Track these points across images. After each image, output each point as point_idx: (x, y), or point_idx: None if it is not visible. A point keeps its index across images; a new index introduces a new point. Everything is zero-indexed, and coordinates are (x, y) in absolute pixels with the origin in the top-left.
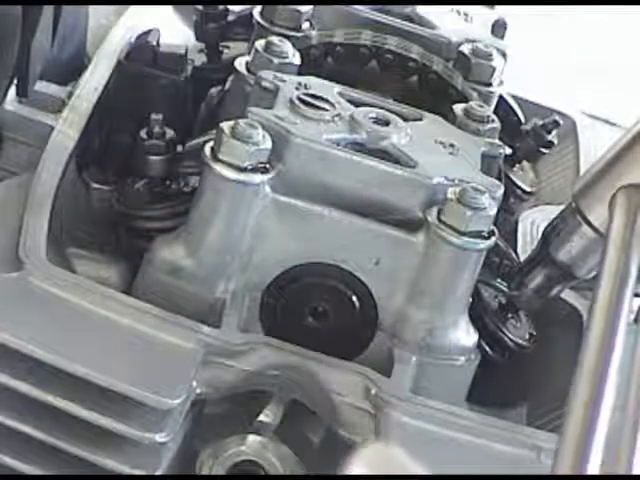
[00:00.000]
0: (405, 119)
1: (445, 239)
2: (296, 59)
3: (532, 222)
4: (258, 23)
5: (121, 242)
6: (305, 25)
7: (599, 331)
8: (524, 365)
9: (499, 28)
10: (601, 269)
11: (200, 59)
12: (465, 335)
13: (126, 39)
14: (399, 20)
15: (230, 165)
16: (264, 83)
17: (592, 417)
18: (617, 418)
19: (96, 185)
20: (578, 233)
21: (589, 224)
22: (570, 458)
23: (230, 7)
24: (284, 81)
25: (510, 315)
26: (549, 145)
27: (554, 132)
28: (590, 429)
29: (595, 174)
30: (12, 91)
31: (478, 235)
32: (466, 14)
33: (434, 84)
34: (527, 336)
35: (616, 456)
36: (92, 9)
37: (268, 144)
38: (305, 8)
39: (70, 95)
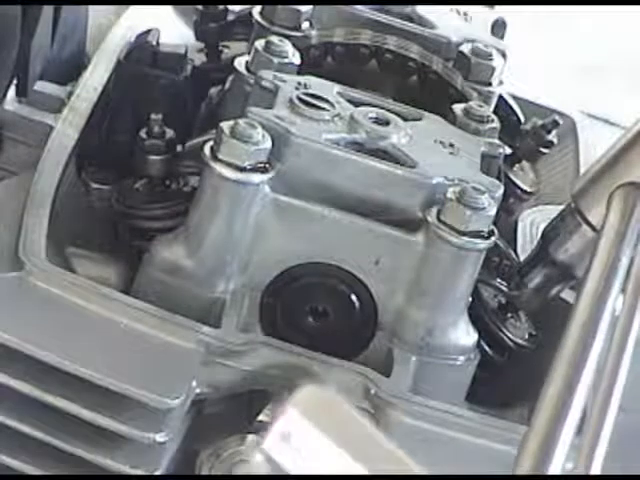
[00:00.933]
0: (405, 119)
1: (445, 239)
2: (296, 59)
3: (532, 222)
4: (258, 23)
5: (121, 242)
6: (305, 25)
7: (582, 321)
8: (524, 365)
9: (499, 28)
10: (592, 259)
11: (200, 59)
12: (465, 335)
13: (126, 39)
14: (399, 20)
15: (230, 165)
16: (264, 83)
17: (564, 407)
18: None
19: (96, 185)
20: (577, 233)
21: (588, 224)
22: (533, 457)
23: (230, 7)
24: (284, 81)
25: (510, 315)
26: (549, 145)
27: (554, 132)
28: (560, 419)
29: (594, 174)
30: (12, 91)
31: (478, 235)
32: (466, 14)
33: (434, 84)
34: (527, 336)
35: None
36: (92, 9)
37: (268, 144)
38: (305, 8)
39: (70, 95)
